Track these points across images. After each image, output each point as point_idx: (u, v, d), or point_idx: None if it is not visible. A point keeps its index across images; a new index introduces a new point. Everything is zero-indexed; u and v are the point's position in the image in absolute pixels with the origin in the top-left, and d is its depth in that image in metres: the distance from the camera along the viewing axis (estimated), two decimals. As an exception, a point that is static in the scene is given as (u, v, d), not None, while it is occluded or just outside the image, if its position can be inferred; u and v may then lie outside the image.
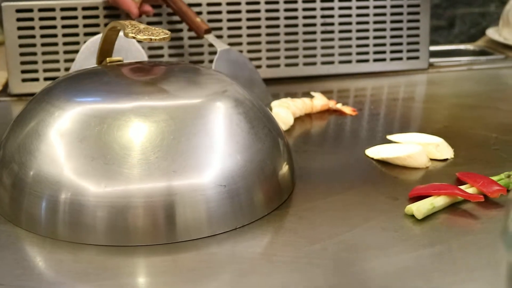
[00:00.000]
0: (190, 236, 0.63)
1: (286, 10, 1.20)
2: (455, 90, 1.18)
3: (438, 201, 0.70)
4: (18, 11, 1.09)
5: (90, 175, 0.63)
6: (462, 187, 0.73)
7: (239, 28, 1.18)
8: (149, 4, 1.11)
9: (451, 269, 0.60)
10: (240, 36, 1.18)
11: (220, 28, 1.17)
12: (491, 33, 1.59)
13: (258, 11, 1.18)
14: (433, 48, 1.35)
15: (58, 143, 0.66)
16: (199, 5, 1.15)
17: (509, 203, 0.40)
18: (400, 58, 1.27)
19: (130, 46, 1.01)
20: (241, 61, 1.08)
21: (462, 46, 1.61)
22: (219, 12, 1.17)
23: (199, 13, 1.15)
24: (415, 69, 1.28)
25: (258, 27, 1.19)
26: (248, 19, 1.18)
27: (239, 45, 1.18)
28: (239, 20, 1.18)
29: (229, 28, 1.18)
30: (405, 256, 0.62)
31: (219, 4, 1.17)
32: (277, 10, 1.19)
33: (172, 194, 0.63)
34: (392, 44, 1.26)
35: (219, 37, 1.16)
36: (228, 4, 1.17)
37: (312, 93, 1.05)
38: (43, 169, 0.65)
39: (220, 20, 1.17)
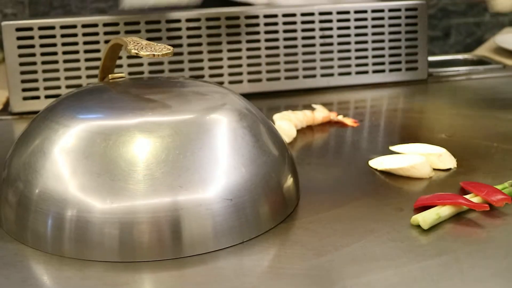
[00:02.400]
0: (196, 250, 0.63)
1: (284, 23, 1.20)
2: (455, 100, 1.18)
3: (444, 211, 0.70)
4: (18, 29, 1.09)
5: (96, 192, 0.63)
6: (466, 196, 0.73)
7: (239, 42, 1.18)
8: None
9: (459, 279, 0.60)
10: (239, 50, 1.19)
11: (219, 43, 1.17)
12: (500, 41, 1.59)
13: (257, 25, 1.18)
14: (431, 58, 1.35)
15: (63, 161, 0.65)
16: (198, 20, 1.15)
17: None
18: (399, 69, 1.28)
19: None
20: None
21: (460, 56, 1.62)
22: (218, 27, 1.17)
23: (198, 27, 1.15)
24: (414, 79, 1.29)
25: (258, 40, 1.19)
26: (248, 33, 1.18)
27: (238, 59, 1.18)
28: (239, 34, 1.18)
29: (229, 43, 1.18)
30: (412, 266, 0.62)
31: (217, 19, 1.17)
32: (275, 24, 1.20)
33: (178, 209, 0.62)
34: (390, 56, 1.27)
35: (219, 51, 1.16)
36: (227, 18, 1.17)
37: (313, 105, 1.05)
38: (48, 187, 0.64)
39: (219, 35, 1.17)
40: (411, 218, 0.69)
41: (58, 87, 1.11)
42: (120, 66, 1.12)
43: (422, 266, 0.61)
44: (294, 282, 0.59)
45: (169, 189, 0.63)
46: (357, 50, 1.25)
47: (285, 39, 1.20)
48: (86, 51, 1.11)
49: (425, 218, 0.68)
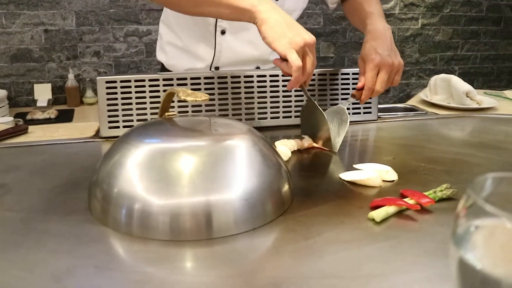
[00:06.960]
0: (222, 234, 0.61)
1: (283, 80, 1.18)
2: (395, 134, 1.16)
3: (390, 209, 0.68)
4: (106, 82, 1.08)
5: (155, 192, 0.61)
6: (405, 199, 0.72)
7: (251, 92, 1.17)
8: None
9: (401, 255, 0.58)
10: (252, 98, 1.17)
11: (239, 92, 1.16)
12: (423, 96, 1.58)
13: (264, 81, 1.17)
14: (380, 106, 1.33)
15: (134, 170, 0.64)
16: (225, 77, 1.14)
17: (456, 213, 0.38)
18: (359, 113, 1.26)
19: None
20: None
21: (398, 105, 1.60)
22: (238, 82, 1.16)
23: (225, 82, 1.14)
24: (369, 120, 1.27)
25: (264, 91, 1.17)
26: (258, 87, 1.17)
27: (251, 103, 1.16)
28: (252, 87, 1.17)
29: (245, 92, 1.16)
30: (370, 247, 0.60)
31: (238, 76, 1.15)
32: (277, 81, 1.18)
33: (210, 205, 0.61)
34: (353, 103, 1.25)
35: (238, 98, 1.15)
36: (245, 76, 1.16)
37: (302, 136, 1.03)
38: (123, 188, 0.63)
39: (239, 87, 1.16)
40: (368, 213, 0.68)
41: (131, 120, 1.09)
42: (173, 107, 1.10)
43: (377, 247, 0.60)
44: (289, 256, 0.57)
45: (204, 192, 0.61)
46: (331, 99, 1.23)
47: (283, 91, 1.19)
48: (150, 97, 1.09)
49: (378, 214, 0.67)
